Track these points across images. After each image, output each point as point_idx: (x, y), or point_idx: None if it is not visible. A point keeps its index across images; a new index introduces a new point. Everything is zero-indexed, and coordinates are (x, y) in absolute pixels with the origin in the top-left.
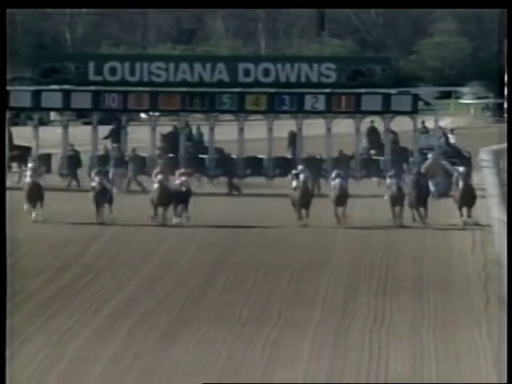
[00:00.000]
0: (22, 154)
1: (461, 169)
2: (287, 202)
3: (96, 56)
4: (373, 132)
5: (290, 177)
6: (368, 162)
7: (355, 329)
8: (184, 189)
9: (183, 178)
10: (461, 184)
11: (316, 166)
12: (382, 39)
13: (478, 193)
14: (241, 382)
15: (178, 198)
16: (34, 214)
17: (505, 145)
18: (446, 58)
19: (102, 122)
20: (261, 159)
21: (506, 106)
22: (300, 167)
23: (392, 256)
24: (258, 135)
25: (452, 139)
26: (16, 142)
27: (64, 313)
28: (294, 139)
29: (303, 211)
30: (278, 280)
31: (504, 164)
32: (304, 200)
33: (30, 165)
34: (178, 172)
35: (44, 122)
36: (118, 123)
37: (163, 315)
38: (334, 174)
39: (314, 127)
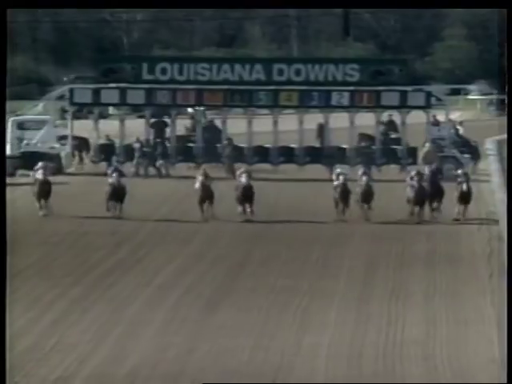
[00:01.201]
0: (81, 143)
1: (462, 172)
2: (316, 185)
3: (149, 58)
4: (391, 124)
5: (333, 177)
6: (387, 151)
7: (375, 298)
8: (247, 184)
9: (244, 176)
10: (464, 186)
11: (341, 154)
12: (400, 43)
13: (483, 178)
14: (275, 344)
15: (244, 196)
16: (43, 210)
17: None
18: (456, 60)
19: (154, 116)
20: (293, 148)
21: (506, 101)
22: (338, 170)
23: (408, 234)
24: (290, 127)
25: (461, 131)
26: (77, 133)
27: (120, 283)
28: (321, 131)
29: (340, 207)
30: (308, 255)
31: (505, 152)
32: (343, 198)
33: (40, 164)
34: (238, 171)
35: (103, 116)
36: (166, 117)
37: (207, 285)
38: (360, 172)
39: (339, 120)
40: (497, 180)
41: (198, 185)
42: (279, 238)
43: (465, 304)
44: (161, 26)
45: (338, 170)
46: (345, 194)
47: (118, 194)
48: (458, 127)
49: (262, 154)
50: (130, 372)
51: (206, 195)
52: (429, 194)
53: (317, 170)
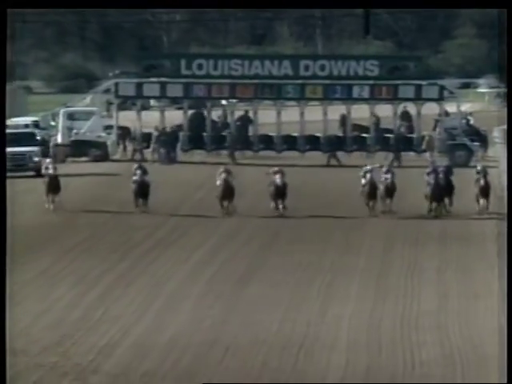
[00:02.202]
0: (125, 132)
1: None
2: (338, 170)
3: (186, 55)
4: (406, 115)
5: (361, 174)
6: (402, 139)
7: (393, 274)
8: (281, 183)
9: (278, 176)
10: (482, 181)
11: (362, 141)
12: (415, 41)
13: (492, 164)
14: (301, 317)
15: (278, 194)
16: (52, 204)
17: None
18: (466, 56)
19: (191, 108)
20: (318, 137)
21: (506, 102)
22: (368, 167)
23: (423, 216)
24: (315, 118)
25: (471, 121)
26: (121, 123)
27: (160, 259)
28: (344, 121)
29: (371, 203)
30: (331, 235)
31: None
32: (372, 194)
33: (47, 160)
34: (271, 170)
35: (145, 108)
36: (202, 108)
37: (239, 263)
38: (384, 169)
39: (360, 111)
40: (504, 165)
41: (219, 182)
42: (305, 219)
43: (474, 279)
44: (197, 25)
45: (367, 168)
46: (373, 191)
47: (142, 191)
48: (469, 118)
49: (289, 142)
50: (169, 341)
51: (227, 192)
52: (444, 189)
53: (340, 156)
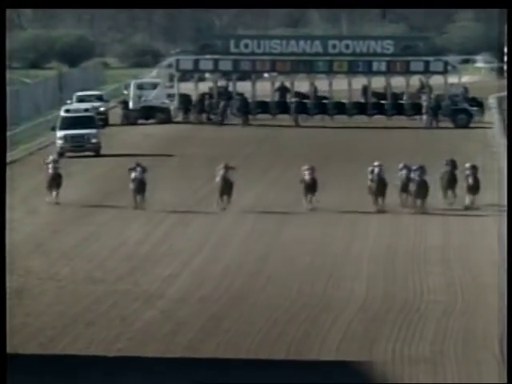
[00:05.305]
0: (185, 100)
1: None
2: (362, 132)
3: (235, 36)
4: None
5: (368, 170)
6: (414, 105)
7: (406, 214)
8: (311, 180)
9: (307, 173)
10: (470, 179)
11: (381, 107)
12: (424, 24)
13: (487, 126)
14: (329, 252)
15: (308, 189)
16: (53, 197)
17: (505, 93)
18: (466, 37)
19: (239, 79)
20: (343, 103)
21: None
22: (376, 163)
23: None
24: (341, 87)
25: (470, 90)
26: (183, 91)
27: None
28: (365, 90)
29: (379, 199)
30: (353, 183)
31: (505, 106)
32: (379, 190)
33: (51, 157)
34: (303, 168)
35: (201, 79)
36: (248, 80)
37: (280, 206)
38: (414, 167)
39: (378, 82)
40: (497, 127)
41: (218, 178)
42: (332, 167)
43: (474, 219)
44: (244, 11)
45: (375, 163)
46: (381, 186)
47: (141, 189)
48: (468, 87)
49: (320, 107)
50: (222, 271)
51: (226, 188)
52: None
53: (361, 119)
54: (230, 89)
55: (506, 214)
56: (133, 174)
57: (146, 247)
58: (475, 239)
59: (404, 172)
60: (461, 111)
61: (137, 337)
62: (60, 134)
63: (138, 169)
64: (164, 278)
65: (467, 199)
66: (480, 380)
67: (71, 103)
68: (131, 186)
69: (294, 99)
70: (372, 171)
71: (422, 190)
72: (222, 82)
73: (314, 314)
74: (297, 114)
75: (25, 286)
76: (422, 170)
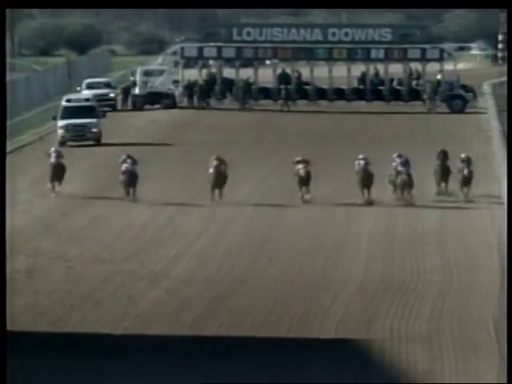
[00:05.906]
0: (190, 86)
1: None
2: (358, 116)
3: (238, 24)
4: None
5: (356, 162)
6: (413, 91)
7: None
8: (305, 174)
9: (302, 167)
10: (466, 171)
11: (378, 93)
12: (421, 13)
13: (481, 111)
14: (328, 234)
15: (302, 183)
16: (57, 189)
17: (499, 79)
18: (462, 25)
19: (242, 66)
20: (343, 89)
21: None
22: (361, 155)
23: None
24: (340, 74)
25: (466, 76)
26: (186, 78)
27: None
28: (364, 77)
29: (365, 191)
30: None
31: (499, 91)
32: (365, 182)
33: (53, 149)
34: (295, 160)
35: (205, 66)
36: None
37: (281, 192)
38: (400, 160)
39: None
40: (491, 112)
41: (211, 170)
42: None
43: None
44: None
45: (360, 156)
46: (366, 178)
47: (132, 181)
48: (460, 74)
49: (320, 93)
50: (224, 253)
51: (219, 181)
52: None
53: (360, 105)
54: (231, 76)
55: (505, 206)
56: (123, 166)
57: (152, 229)
58: (470, 223)
59: (394, 164)
60: (456, 97)
61: (143, 315)
62: (61, 123)
63: (129, 160)
64: (169, 258)
65: (461, 193)
66: (476, 356)
67: (80, 90)
68: (122, 177)
69: (294, 85)
70: (358, 164)
71: (407, 183)
72: (214, 69)
73: (314, 294)
74: (295, 99)
75: (34, 266)
76: (406, 162)
